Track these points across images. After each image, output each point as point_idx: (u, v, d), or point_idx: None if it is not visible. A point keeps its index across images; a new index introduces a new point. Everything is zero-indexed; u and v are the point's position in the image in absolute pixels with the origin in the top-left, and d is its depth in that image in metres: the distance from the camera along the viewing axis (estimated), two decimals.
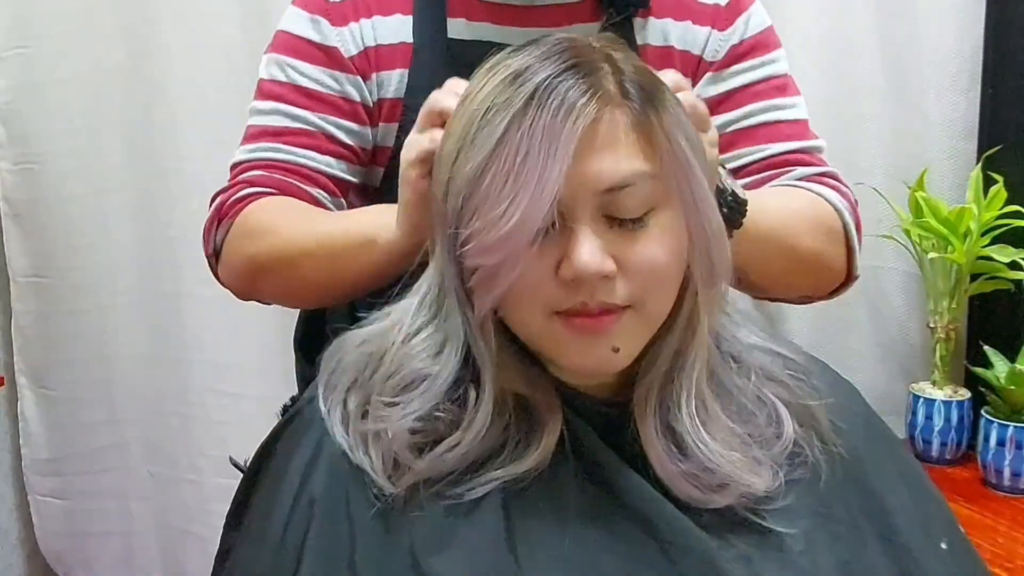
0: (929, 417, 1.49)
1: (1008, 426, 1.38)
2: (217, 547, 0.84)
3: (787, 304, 1.68)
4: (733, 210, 0.83)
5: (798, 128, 1.02)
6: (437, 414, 0.70)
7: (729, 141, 0.98)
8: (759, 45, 1.01)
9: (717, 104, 0.99)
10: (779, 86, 1.01)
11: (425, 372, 0.71)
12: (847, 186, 1.02)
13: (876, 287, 1.63)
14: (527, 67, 0.68)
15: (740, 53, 1.00)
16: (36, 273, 1.86)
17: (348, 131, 0.98)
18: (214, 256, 0.97)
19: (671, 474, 0.71)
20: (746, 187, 0.96)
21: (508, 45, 0.89)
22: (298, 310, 1.14)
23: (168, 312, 1.82)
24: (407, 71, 0.97)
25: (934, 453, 1.49)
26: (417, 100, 0.92)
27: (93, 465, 1.92)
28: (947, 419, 1.48)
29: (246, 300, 1.00)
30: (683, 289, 0.72)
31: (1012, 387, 1.39)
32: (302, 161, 0.96)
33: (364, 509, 0.69)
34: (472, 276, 0.69)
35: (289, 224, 0.90)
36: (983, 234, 1.43)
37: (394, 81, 0.97)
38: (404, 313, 0.75)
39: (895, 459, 0.81)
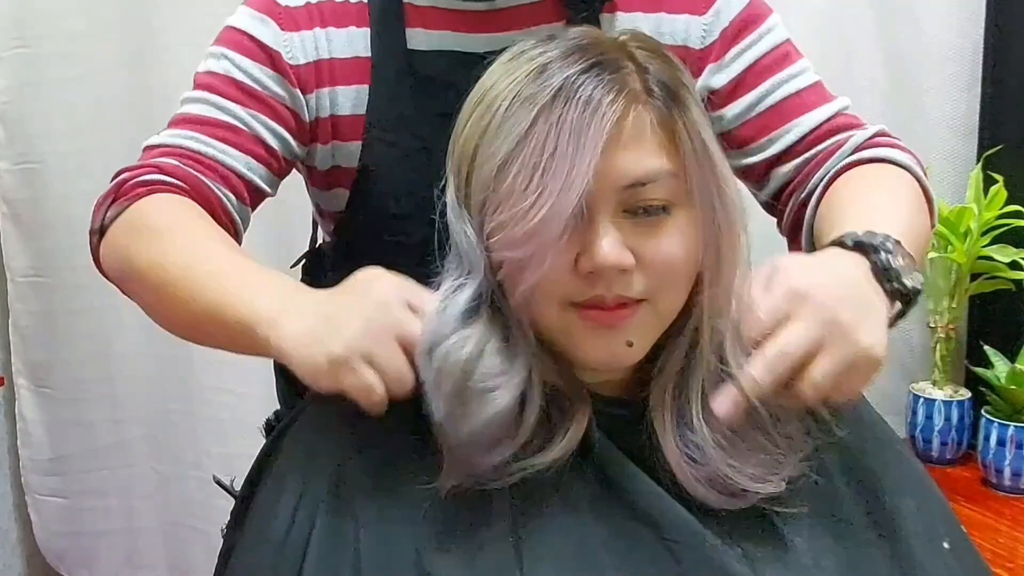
0: (929, 417, 1.49)
1: (1008, 426, 1.38)
2: (221, 545, 0.84)
3: None
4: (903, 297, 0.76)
5: (819, 91, 0.97)
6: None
7: (759, 126, 0.95)
8: (750, 19, 0.97)
9: (729, 93, 0.96)
10: (784, 54, 0.97)
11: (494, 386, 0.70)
12: (892, 135, 0.97)
13: None
14: (551, 62, 0.68)
15: (734, 34, 0.96)
16: (35, 273, 1.86)
17: (276, 135, 0.92)
18: (98, 233, 0.88)
19: (688, 477, 0.72)
20: (801, 168, 0.93)
21: (471, 54, 0.89)
22: None
23: None
24: (366, 87, 0.92)
25: (934, 453, 1.49)
26: (381, 116, 0.91)
27: (96, 463, 1.92)
28: (947, 419, 1.48)
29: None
30: (694, 288, 0.72)
31: (1012, 387, 1.40)
32: (220, 157, 0.90)
33: (368, 507, 0.69)
34: (499, 270, 0.69)
35: (177, 243, 0.82)
36: (983, 234, 1.43)
37: (350, 97, 0.92)
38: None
39: (897, 459, 0.81)
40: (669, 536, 0.70)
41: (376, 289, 0.71)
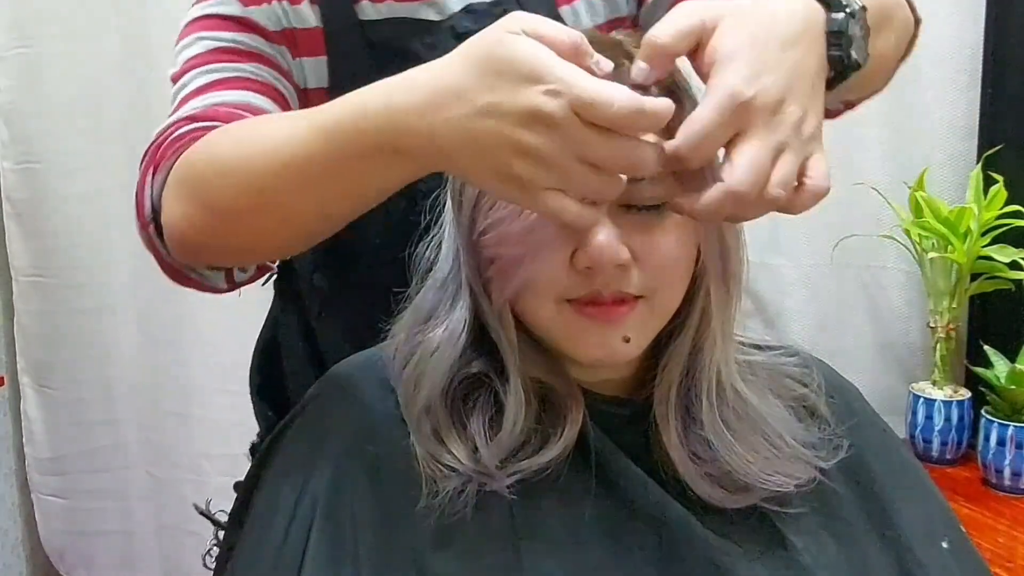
0: (929, 417, 1.49)
1: (1008, 426, 1.38)
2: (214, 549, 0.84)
3: (787, 304, 1.69)
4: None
5: None
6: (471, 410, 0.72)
7: None
8: None
9: None
10: None
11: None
12: None
13: (876, 287, 1.64)
14: None
15: None
16: (38, 272, 1.87)
17: (283, 83, 0.87)
18: (151, 223, 0.77)
19: (693, 474, 0.72)
20: None
21: (421, 20, 0.90)
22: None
23: (169, 311, 1.83)
24: (324, 59, 0.90)
25: (934, 453, 1.49)
26: (345, 89, 0.79)
27: (94, 464, 1.93)
28: (947, 419, 1.48)
29: (203, 268, 0.80)
30: (694, 286, 0.72)
31: (1012, 387, 1.39)
32: (240, 98, 0.82)
33: (367, 508, 0.70)
34: (490, 266, 0.70)
35: (257, 139, 0.70)
36: (983, 234, 1.43)
37: (314, 69, 0.90)
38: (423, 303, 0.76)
39: (897, 459, 0.82)
40: (668, 535, 0.70)
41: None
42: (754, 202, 0.61)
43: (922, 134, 1.55)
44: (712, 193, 0.60)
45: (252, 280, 0.85)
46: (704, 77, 0.62)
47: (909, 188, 1.49)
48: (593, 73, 0.57)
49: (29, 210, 1.85)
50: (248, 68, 0.85)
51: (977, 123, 1.52)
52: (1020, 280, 1.42)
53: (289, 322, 1.04)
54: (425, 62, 0.72)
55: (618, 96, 0.55)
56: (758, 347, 0.81)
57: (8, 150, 1.84)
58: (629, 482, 0.72)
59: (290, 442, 0.77)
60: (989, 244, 1.43)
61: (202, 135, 0.75)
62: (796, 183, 0.62)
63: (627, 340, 0.70)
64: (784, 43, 0.62)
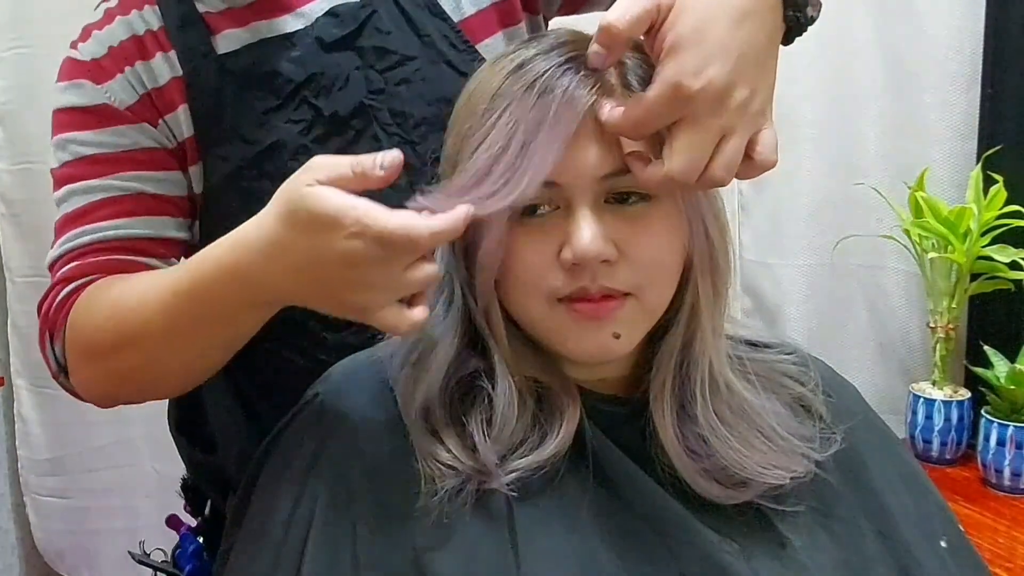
0: (929, 417, 1.48)
1: (1008, 426, 1.38)
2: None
3: (787, 304, 1.69)
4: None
5: None
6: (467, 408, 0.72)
7: None
8: None
9: None
10: None
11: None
12: None
13: (876, 287, 1.63)
14: (529, 59, 0.69)
15: None
16: (34, 273, 1.86)
17: (154, 181, 0.88)
18: (62, 373, 0.86)
19: (690, 471, 0.72)
20: None
21: (278, 36, 0.89)
22: None
23: None
24: (185, 107, 0.89)
25: (934, 453, 1.49)
26: (207, 132, 0.88)
27: (97, 463, 1.92)
28: (947, 419, 1.48)
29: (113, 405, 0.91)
30: (684, 282, 0.73)
31: (1012, 387, 1.39)
32: (112, 233, 0.86)
33: (366, 507, 0.69)
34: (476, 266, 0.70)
35: (123, 311, 0.78)
36: (983, 234, 1.43)
37: (181, 120, 0.89)
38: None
39: (895, 458, 0.81)
40: (666, 533, 0.70)
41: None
42: (697, 182, 0.64)
43: (922, 134, 1.55)
44: (652, 171, 0.64)
45: None
46: (656, 60, 0.63)
47: (909, 188, 1.49)
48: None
49: (25, 211, 1.85)
50: (111, 183, 0.88)
51: (977, 123, 1.52)
52: (1020, 280, 1.42)
53: None
54: (291, 79, 0.86)
55: (411, 225, 0.62)
56: (755, 344, 0.81)
57: (5, 151, 1.84)
58: (627, 480, 0.72)
59: (289, 442, 0.77)
60: (989, 244, 1.43)
61: (79, 295, 0.83)
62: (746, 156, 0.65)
63: (617, 336, 0.70)
64: (735, 20, 0.63)
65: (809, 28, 0.69)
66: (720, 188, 0.72)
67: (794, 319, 1.67)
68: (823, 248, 1.62)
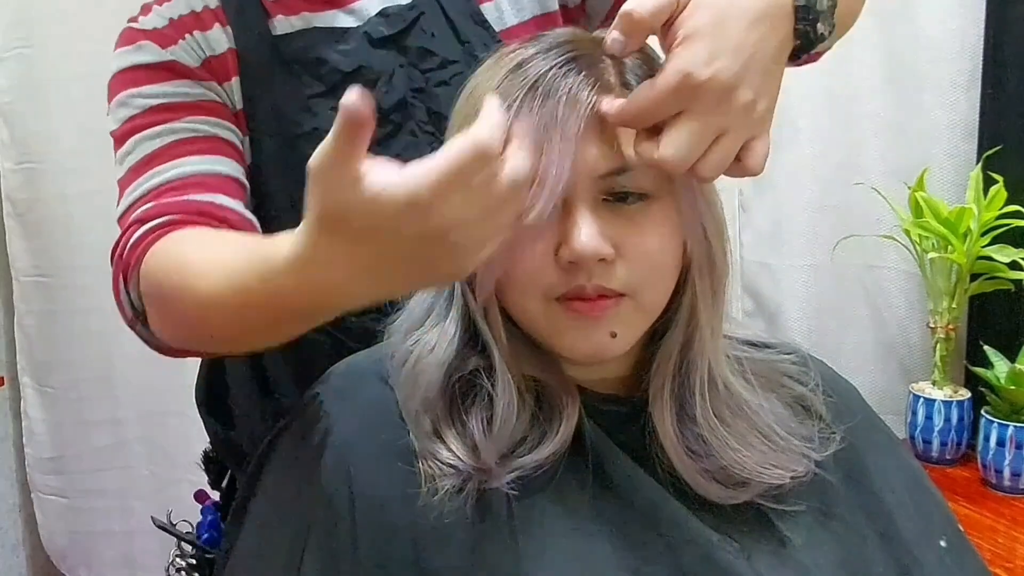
0: (929, 417, 1.49)
1: (1008, 426, 1.38)
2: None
3: (787, 304, 1.69)
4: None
5: None
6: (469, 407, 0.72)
7: None
8: None
9: None
10: None
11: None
12: None
13: (876, 287, 1.64)
14: (529, 58, 0.69)
15: None
16: (38, 272, 1.87)
17: (225, 128, 0.88)
18: (139, 321, 0.81)
19: (690, 471, 0.72)
20: None
21: (334, 28, 0.91)
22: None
23: None
24: (237, 80, 0.90)
25: (934, 453, 1.49)
26: (256, 108, 0.89)
27: (94, 464, 1.93)
28: (947, 419, 1.48)
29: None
30: (683, 282, 0.73)
31: (1012, 387, 1.39)
32: (190, 169, 0.83)
33: (366, 506, 0.70)
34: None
35: (197, 269, 0.72)
36: (983, 234, 1.43)
37: (235, 91, 0.90)
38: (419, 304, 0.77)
39: (895, 458, 0.82)
40: (666, 532, 0.70)
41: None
42: (685, 174, 0.65)
43: (922, 134, 1.55)
44: (646, 148, 0.64)
45: None
46: (667, 51, 0.64)
47: (909, 188, 1.49)
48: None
49: (29, 210, 1.85)
50: (182, 126, 0.85)
51: (977, 123, 1.52)
52: (1020, 280, 1.42)
53: None
54: (339, 69, 0.86)
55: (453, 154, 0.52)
56: (755, 345, 0.81)
57: (8, 150, 1.84)
58: (626, 479, 0.72)
59: (289, 441, 0.77)
60: (989, 244, 1.43)
61: (155, 237, 0.77)
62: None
63: (614, 336, 0.70)
64: (750, 21, 0.64)
65: (820, 51, 0.70)
66: (720, 188, 0.73)
67: (794, 319, 1.67)
68: (823, 248, 1.63)
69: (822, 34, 0.68)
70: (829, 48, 0.72)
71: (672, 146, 0.63)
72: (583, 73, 0.68)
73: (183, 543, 1.06)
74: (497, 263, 0.69)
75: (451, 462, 0.69)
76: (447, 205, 0.52)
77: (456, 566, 0.67)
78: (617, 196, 0.69)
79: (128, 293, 0.80)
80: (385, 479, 0.71)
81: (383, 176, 0.52)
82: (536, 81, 0.67)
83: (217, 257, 0.70)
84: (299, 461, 0.74)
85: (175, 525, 1.06)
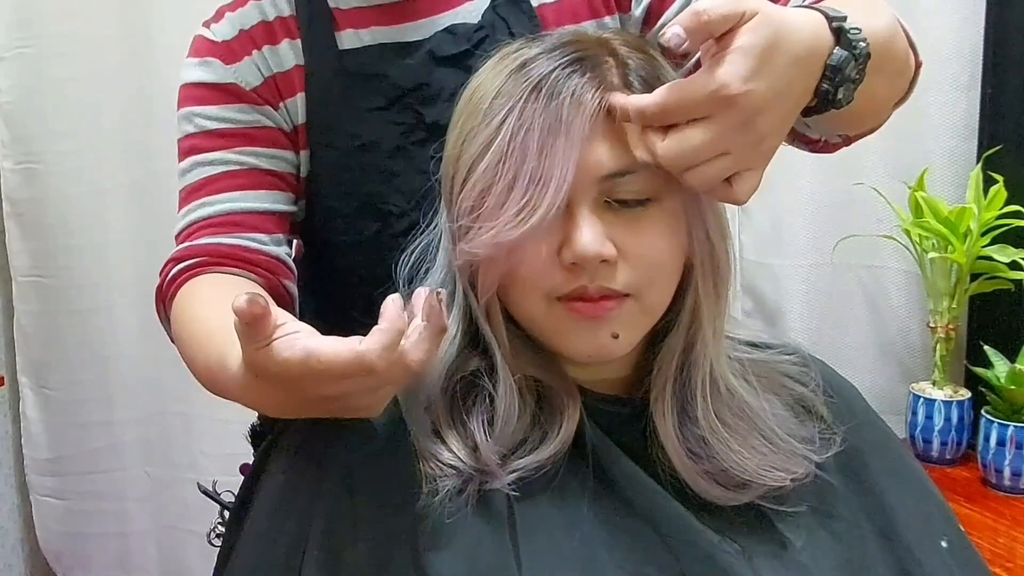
0: (929, 417, 1.49)
1: (1008, 426, 1.38)
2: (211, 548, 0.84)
3: (787, 304, 1.69)
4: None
5: None
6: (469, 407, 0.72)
7: None
8: None
9: None
10: None
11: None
12: None
13: (876, 287, 1.64)
14: (532, 59, 0.69)
15: None
16: (37, 272, 1.87)
17: (269, 157, 0.93)
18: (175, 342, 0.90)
19: (691, 472, 0.72)
20: None
21: (400, 43, 0.92)
22: None
23: None
24: (303, 95, 0.94)
25: (934, 453, 1.49)
26: (317, 120, 0.93)
27: (91, 465, 1.93)
28: (947, 419, 1.48)
29: None
30: (685, 284, 0.73)
31: (1012, 387, 1.39)
32: (226, 207, 0.91)
33: (366, 507, 0.70)
34: (478, 265, 0.70)
35: (189, 334, 0.84)
36: (983, 234, 1.43)
37: (299, 106, 0.94)
38: None
39: (896, 459, 0.82)
40: (667, 533, 0.70)
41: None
42: (677, 175, 0.65)
43: (922, 134, 1.55)
44: (648, 139, 0.65)
45: None
46: (708, 58, 0.63)
47: (909, 188, 1.49)
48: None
49: (29, 210, 1.85)
50: (233, 157, 0.92)
51: (977, 123, 1.52)
52: (1020, 280, 1.42)
53: None
54: (399, 84, 0.89)
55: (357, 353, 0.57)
56: (756, 345, 0.81)
57: (8, 150, 1.84)
58: (627, 480, 0.72)
59: (289, 443, 0.77)
60: (989, 244, 1.43)
61: (185, 278, 0.88)
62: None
63: (616, 336, 0.70)
64: (795, 57, 0.64)
65: (832, 142, 0.69)
66: None
67: (794, 319, 1.67)
68: (823, 248, 1.63)
69: (840, 100, 0.68)
70: (861, 134, 0.72)
71: (679, 145, 0.64)
72: (588, 74, 0.68)
73: (226, 511, 1.09)
74: (500, 263, 0.69)
75: (452, 463, 0.69)
76: (337, 386, 0.59)
77: (457, 567, 0.67)
78: (619, 197, 0.69)
79: (167, 320, 0.90)
80: (386, 480, 0.71)
81: (287, 344, 0.58)
82: (540, 82, 0.67)
83: (202, 330, 0.81)
84: (299, 461, 0.74)
85: (220, 494, 1.10)
